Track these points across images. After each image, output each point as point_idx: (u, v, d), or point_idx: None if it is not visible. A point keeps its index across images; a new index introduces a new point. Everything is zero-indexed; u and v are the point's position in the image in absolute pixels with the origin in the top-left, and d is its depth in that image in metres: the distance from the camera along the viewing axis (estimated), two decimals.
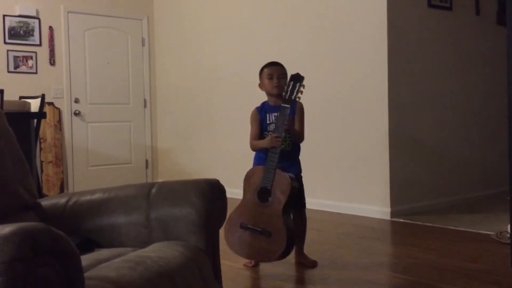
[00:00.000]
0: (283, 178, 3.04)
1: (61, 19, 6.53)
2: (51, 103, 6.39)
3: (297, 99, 3.07)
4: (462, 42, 5.44)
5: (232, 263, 3.28)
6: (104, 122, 6.85)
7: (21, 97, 5.29)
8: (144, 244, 1.88)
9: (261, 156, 3.21)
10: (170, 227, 1.90)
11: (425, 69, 5.05)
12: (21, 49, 6.27)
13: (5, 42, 6.17)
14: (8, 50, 6.19)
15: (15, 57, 6.23)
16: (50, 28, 6.45)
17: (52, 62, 6.47)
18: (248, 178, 3.14)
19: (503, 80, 3.39)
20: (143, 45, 7.18)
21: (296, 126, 3.24)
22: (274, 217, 3.03)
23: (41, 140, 6.27)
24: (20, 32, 6.26)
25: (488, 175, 5.65)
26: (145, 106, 7.20)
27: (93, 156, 6.75)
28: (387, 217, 4.67)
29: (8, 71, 6.18)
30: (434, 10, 5.11)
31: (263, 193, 3.05)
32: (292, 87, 3.03)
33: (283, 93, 3.06)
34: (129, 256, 1.67)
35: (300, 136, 3.27)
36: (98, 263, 1.60)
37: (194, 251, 1.82)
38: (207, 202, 1.90)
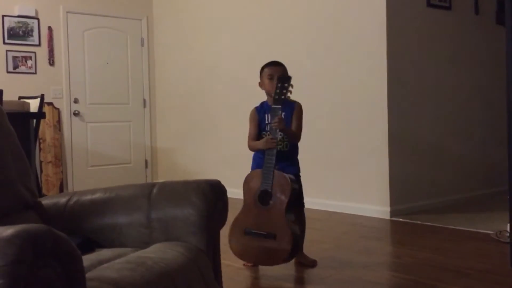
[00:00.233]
0: (282, 179, 3.04)
1: (60, 19, 6.53)
2: (50, 103, 6.39)
3: (287, 99, 3.08)
4: (462, 41, 5.44)
5: (232, 263, 3.29)
6: (104, 122, 6.85)
7: (20, 97, 5.29)
8: (145, 244, 1.88)
9: (260, 156, 3.22)
10: (171, 228, 1.90)
11: (424, 68, 5.05)
12: (20, 49, 6.27)
13: (4, 43, 6.17)
14: (7, 51, 6.18)
15: (14, 57, 6.23)
16: (49, 28, 6.45)
17: (51, 62, 6.47)
18: (247, 183, 3.13)
19: (503, 79, 3.40)
20: (142, 45, 7.18)
21: (293, 126, 3.24)
22: (278, 218, 3.03)
23: (41, 140, 6.27)
24: (19, 32, 6.26)
25: (487, 174, 5.65)
26: (144, 106, 7.20)
27: (92, 156, 6.75)
28: (387, 216, 4.67)
29: (7, 72, 6.18)
30: (433, 9, 5.12)
31: (264, 196, 3.05)
32: (280, 87, 3.05)
33: (273, 95, 3.07)
34: (130, 256, 1.67)
35: (295, 136, 3.27)
36: (99, 263, 1.60)
37: (194, 252, 1.82)
38: (208, 203, 1.90)
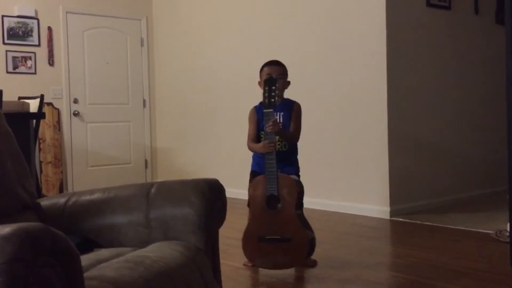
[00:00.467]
0: (287, 181, 3.05)
1: (60, 20, 6.53)
2: (50, 104, 6.39)
3: (277, 101, 3.06)
4: (461, 41, 5.44)
5: (232, 263, 3.29)
6: (103, 122, 6.85)
7: (20, 98, 5.29)
8: (144, 244, 1.88)
9: (260, 155, 3.22)
10: (170, 227, 1.90)
11: (424, 68, 5.05)
12: (20, 49, 6.27)
13: (4, 43, 6.17)
14: (7, 51, 6.18)
15: (14, 58, 6.23)
16: (49, 28, 6.45)
17: (51, 62, 6.47)
18: (252, 190, 3.13)
19: (502, 79, 3.40)
20: (142, 45, 7.18)
21: (292, 126, 3.24)
22: (289, 220, 3.04)
23: (40, 141, 6.27)
24: (19, 33, 6.26)
25: (487, 174, 5.65)
26: (144, 106, 7.20)
27: (92, 156, 6.75)
28: (387, 216, 4.67)
29: (7, 72, 6.18)
30: (433, 9, 5.11)
31: (272, 201, 3.06)
32: (268, 91, 3.04)
33: (263, 99, 3.07)
34: (129, 256, 1.67)
35: (292, 137, 3.27)
36: (98, 263, 1.60)
37: (193, 251, 1.82)
38: (206, 202, 1.90)
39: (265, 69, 3.28)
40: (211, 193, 1.93)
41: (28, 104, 4.37)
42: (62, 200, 2.04)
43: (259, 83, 3.32)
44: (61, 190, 6.41)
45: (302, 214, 3.15)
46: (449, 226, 4.28)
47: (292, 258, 3.09)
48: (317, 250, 3.57)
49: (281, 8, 5.59)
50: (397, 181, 4.76)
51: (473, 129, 5.57)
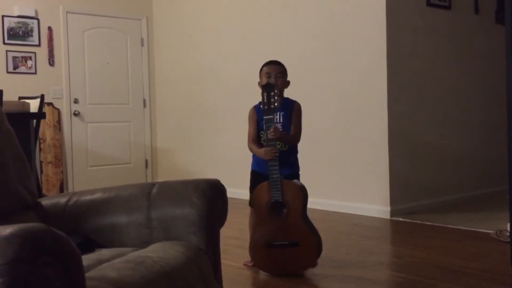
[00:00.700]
0: (291, 185, 3.05)
1: (60, 20, 6.53)
2: (50, 104, 6.39)
3: (276, 107, 3.05)
4: (461, 40, 5.44)
5: (232, 263, 3.29)
6: (104, 122, 6.85)
7: (20, 98, 5.29)
8: (145, 244, 1.88)
9: None
10: (171, 227, 1.90)
11: (424, 67, 5.05)
12: (20, 49, 6.27)
13: (4, 43, 6.17)
14: (7, 51, 6.18)
15: (14, 58, 6.23)
16: (49, 28, 6.45)
17: (51, 62, 6.47)
18: (256, 197, 3.12)
19: (502, 79, 3.40)
20: (142, 45, 7.18)
21: (292, 127, 3.24)
22: (296, 225, 3.04)
23: (41, 141, 6.27)
24: (19, 33, 6.26)
25: (487, 173, 5.65)
26: (144, 106, 7.20)
27: (92, 156, 6.75)
28: (387, 216, 4.67)
29: (7, 72, 6.18)
30: (433, 9, 5.12)
31: (277, 207, 3.05)
32: (267, 97, 3.03)
33: (262, 106, 3.06)
34: (130, 256, 1.67)
35: (293, 139, 3.26)
36: (99, 263, 1.60)
37: (194, 251, 1.82)
38: (207, 202, 1.90)
39: (264, 68, 3.28)
40: (212, 193, 1.93)
41: (28, 104, 4.37)
42: (63, 200, 2.04)
43: (259, 83, 3.32)
44: (61, 190, 6.42)
45: (307, 218, 3.15)
46: (449, 226, 4.28)
47: (301, 262, 3.09)
48: None
49: (281, 8, 5.59)
50: (397, 181, 4.76)
51: (473, 129, 5.58)
